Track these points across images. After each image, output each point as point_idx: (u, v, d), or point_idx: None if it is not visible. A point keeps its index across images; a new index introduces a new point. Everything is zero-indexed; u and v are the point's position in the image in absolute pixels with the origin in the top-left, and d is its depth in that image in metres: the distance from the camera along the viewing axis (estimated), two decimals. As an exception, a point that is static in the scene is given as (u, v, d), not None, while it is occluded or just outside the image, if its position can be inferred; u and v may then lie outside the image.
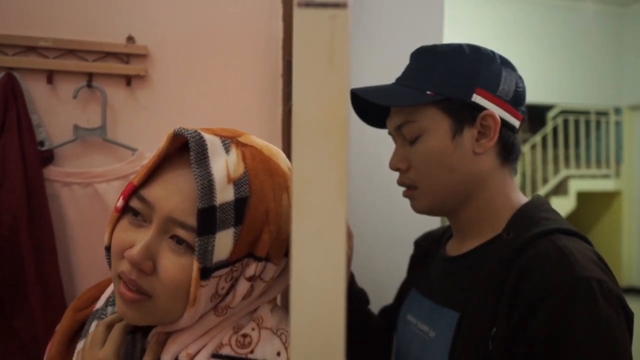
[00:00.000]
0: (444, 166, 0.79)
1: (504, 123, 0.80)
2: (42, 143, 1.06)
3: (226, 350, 0.61)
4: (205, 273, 0.57)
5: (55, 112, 1.09)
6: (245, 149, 0.61)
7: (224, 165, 0.58)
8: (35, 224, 1.02)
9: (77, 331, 0.69)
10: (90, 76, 1.09)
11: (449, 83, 0.79)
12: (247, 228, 0.59)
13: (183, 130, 0.58)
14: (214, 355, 0.60)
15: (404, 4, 1.43)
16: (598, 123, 6.82)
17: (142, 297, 0.58)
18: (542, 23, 6.23)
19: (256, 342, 0.62)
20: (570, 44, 6.37)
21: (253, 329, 0.63)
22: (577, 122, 6.69)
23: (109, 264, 0.62)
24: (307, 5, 0.23)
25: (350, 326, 1.02)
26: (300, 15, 0.23)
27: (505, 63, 0.83)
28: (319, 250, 0.24)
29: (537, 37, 6.17)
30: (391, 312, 1.02)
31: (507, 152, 0.82)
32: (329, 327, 0.25)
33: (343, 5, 0.23)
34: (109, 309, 0.66)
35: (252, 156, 0.61)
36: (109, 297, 0.68)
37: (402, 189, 0.86)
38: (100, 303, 0.69)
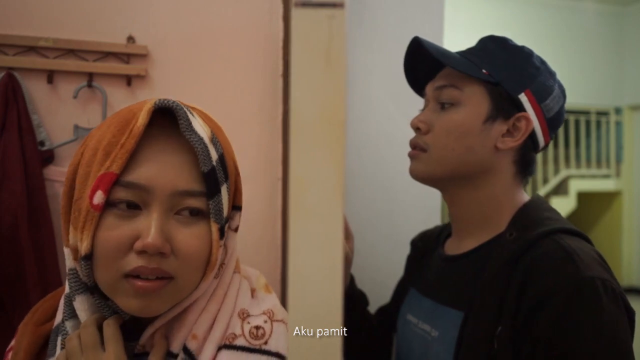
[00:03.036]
0: (462, 143, 0.80)
1: (533, 135, 0.81)
2: (42, 143, 1.06)
3: (240, 342, 0.61)
4: (222, 232, 0.59)
5: (56, 112, 1.09)
6: (196, 111, 0.63)
7: (200, 127, 0.59)
8: (35, 223, 1.02)
9: (43, 347, 0.64)
10: (90, 76, 1.10)
11: (506, 72, 0.80)
12: (231, 181, 0.62)
13: (165, 101, 0.57)
14: (227, 347, 0.60)
15: (404, 4, 1.43)
16: (598, 123, 6.81)
17: (164, 281, 0.56)
18: (542, 23, 6.23)
19: (269, 334, 0.62)
20: (570, 44, 6.36)
21: (265, 322, 0.63)
22: (577, 122, 6.68)
23: (88, 274, 0.56)
24: (305, 5, 0.23)
25: (351, 328, 1.03)
26: (298, 15, 0.23)
27: (561, 86, 0.85)
28: (316, 250, 0.24)
29: (537, 37, 6.15)
30: (389, 312, 1.02)
31: (525, 164, 0.83)
32: (327, 327, 0.25)
33: (340, 5, 0.23)
34: (67, 324, 0.61)
35: (205, 116, 0.63)
36: (63, 312, 0.62)
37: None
38: (58, 318, 0.63)
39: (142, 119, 0.56)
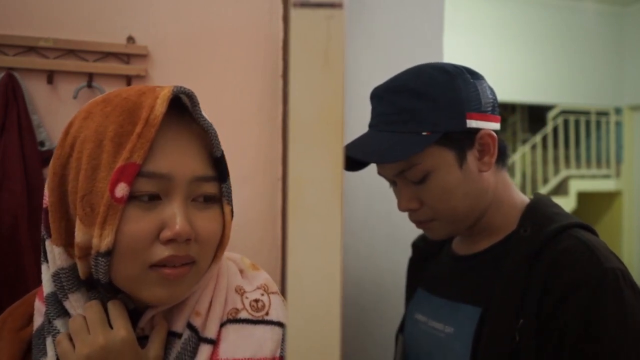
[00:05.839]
0: (459, 195, 0.80)
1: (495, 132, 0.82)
2: (42, 143, 1.06)
3: (244, 315, 0.63)
4: (233, 212, 0.61)
5: (56, 112, 1.09)
6: None
7: (204, 112, 0.61)
8: (35, 223, 1.02)
9: (26, 352, 0.61)
10: (90, 76, 1.10)
11: (441, 118, 0.78)
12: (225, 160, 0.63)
13: (182, 88, 0.57)
14: (232, 321, 0.62)
15: (403, 4, 1.43)
16: (598, 123, 6.81)
17: (188, 267, 0.57)
18: (542, 23, 6.23)
19: (269, 305, 0.65)
20: (570, 44, 6.36)
21: (262, 295, 0.66)
22: (577, 122, 6.68)
23: (105, 271, 0.54)
24: (303, 5, 0.23)
25: None
26: (296, 15, 0.23)
27: (474, 75, 0.82)
28: (315, 250, 0.24)
29: (537, 37, 6.16)
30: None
31: (502, 155, 0.85)
32: (326, 327, 0.25)
33: (339, 5, 0.23)
34: (56, 323, 0.58)
35: None
36: (47, 313, 0.59)
37: None
38: (37, 321, 0.61)
39: (160, 107, 0.55)
